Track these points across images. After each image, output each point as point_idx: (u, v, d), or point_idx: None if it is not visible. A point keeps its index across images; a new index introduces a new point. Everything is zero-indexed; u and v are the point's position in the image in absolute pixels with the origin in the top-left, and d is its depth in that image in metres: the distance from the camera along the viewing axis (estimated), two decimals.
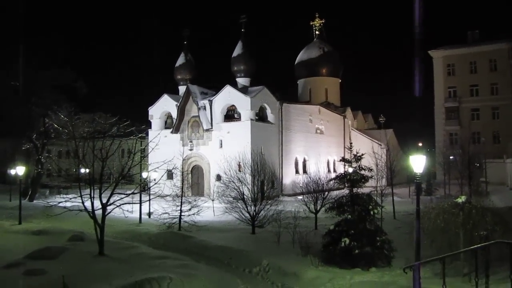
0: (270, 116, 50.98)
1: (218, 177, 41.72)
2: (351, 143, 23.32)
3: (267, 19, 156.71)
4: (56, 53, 43.56)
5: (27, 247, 19.17)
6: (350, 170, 19.94)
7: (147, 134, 52.50)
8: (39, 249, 17.94)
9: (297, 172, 53.59)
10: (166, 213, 26.55)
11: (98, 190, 17.98)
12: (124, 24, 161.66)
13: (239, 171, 31.18)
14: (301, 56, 74.01)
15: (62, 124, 43.29)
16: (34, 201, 42.43)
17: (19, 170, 31.88)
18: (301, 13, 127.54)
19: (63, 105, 44.76)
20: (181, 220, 26.51)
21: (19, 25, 52.73)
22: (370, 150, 34.23)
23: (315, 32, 74.92)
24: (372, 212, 18.10)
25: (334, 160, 60.54)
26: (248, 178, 28.04)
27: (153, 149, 22.71)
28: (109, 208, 18.09)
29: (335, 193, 24.74)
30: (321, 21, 74.47)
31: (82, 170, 22.94)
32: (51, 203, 21.21)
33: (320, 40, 73.97)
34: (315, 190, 28.76)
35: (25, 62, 45.54)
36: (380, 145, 55.53)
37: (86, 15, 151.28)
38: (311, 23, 75.19)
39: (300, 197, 31.25)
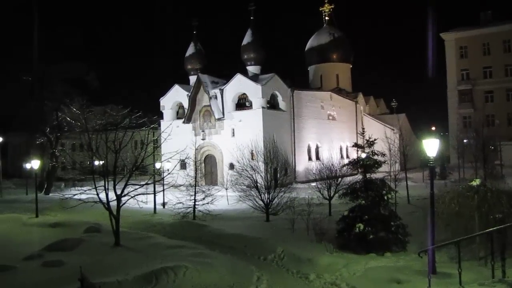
0: (282, 104, 50.87)
1: (231, 166, 41.82)
2: (363, 129, 23.18)
3: (276, 6, 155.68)
4: (66, 46, 43.78)
5: (45, 239, 19.42)
6: (363, 155, 19.88)
7: (159, 124, 52.70)
8: (56, 241, 18.20)
9: (310, 159, 53.51)
10: (180, 202, 26.69)
11: (112, 182, 18.13)
12: (133, 15, 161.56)
13: (252, 159, 31.22)
14: (311, 43, 73.58)
15: (75, 117, 43.59)
16: (50, 194, 42.94)
17: (34, 164, 32.16)
18: None
19: (75, 98, 45.04)
20: (195, 209, 26.64)
21: (31, 20, 52.90)
22: (382, 135, 34.01)
23: (324, 17, 74.40)
24: (386, 197, 18.08)
25: (347, 146, 60.37)
26: (261, 166, 28.07)
27: (165, 139, 22.81)
28: (123, 199, 18.22)
29: (348, 179, 24.66)
30: (330, 7, 73.87)
31: (96, 163, 23.12)
32: (66, 196, 21.41)
33: (330, 26, 73.42)
34: (328, 177, 28.75)
35: (37, 56, 45.94)
36: (393, 130, 55.13)
37: (95, 7, 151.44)
38: (321, 9, 74.64)
39: (313, 184, 31.25)
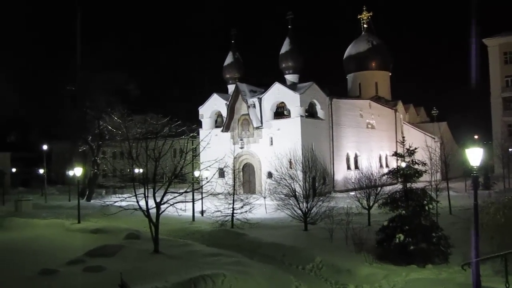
0: (320, 112, 50.64)
1: (269, 175, 41.81)
2: (403, 137, 22.76)
3: (314, 14, 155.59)
4: (108, 57, 44.72)
5: (86, 245, 19.86)
6: (403, 164, 19.52)
7: (198, 133, 53.23)
8: (97, 247, 18.59)
9: (348, 168, 53.03)
10: (218, 211, 26.82)
11: (152, 190, 18.39)
12: (173, 26, 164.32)
13: (290, 168, 31.11)
14: (349, 51, 73.12)
15: (116, 125, 44.49)
16: (92, 201, 43.90)
17: (77, 171, 32.91)
18: (348, 6, 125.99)
19: (116, 107, 46.04)
20: (234, 217, 26.71)
21: (75, 32, 54.52)
22: (423, 144, 33.35)
23: (363, 25, 73.89)
24: (427, 207, 17.69)
25: (386, 155, 59.58)
26: (300, 174, 27.91)
27: (204, 148, 22.96)
28: (163, 207, 18.45)
29: (388, 188, 24.30)
30: (368, 14, 73.34)
31: (136, 170, 23.51)
32: (107, 203, 21.86)
33: (368, 34, 72.86)
34: (367, 186, 28.37)
35: (80, 67, 47.20)
36: (434, 138, 54.12)
37: (135, 18, 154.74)
38: (359, 17, 74.20)
39: (352, 193, 30.89)
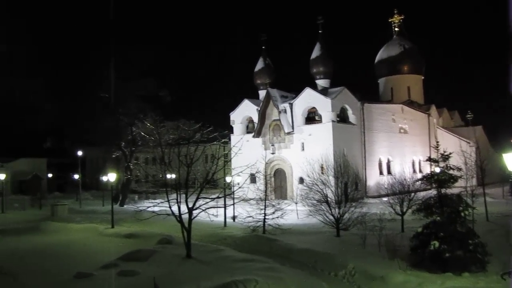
0: (352, 117, 50.28)
1: (301, 180, 41.66)
2: (437, 142, 22.41)
3: (344, 19, 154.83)
4: (140, 64, 45.43)
5: (120, 249, 20.19)
6: (437, 170, 19.20)
7: (229, 139, 53.45)
8: (131, 252, 18.87)
9: (381, 173, 52.42)
10: (250, 216, 26.81)
11: (184, 195, 18.53)
12: (204, 32, 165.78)
13: (322, 173, 30.94)
14: (380, 55, 72.39)
15: (148, 132, 45.07)
16: (125, 206, 44.51)
17: (111, 176, 33.40)
18: (378, 10, 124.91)
19: (148, 114, 46.68)
20: (265, 223, 26.67)
21: (109, 40, 55.65)
22: (457, 148, 32.83)
23: (394, 29, 73.00)
24: (462, 214, 17.32)
25: (420, 160, 58.67)
26: (332, 180, 27.72)
27: (236, 153, 23.05)
28: (195, 212, 18.57)
29: (422, 194, 23.90)
30: (400, 17, 72.44)
31: (168, 176, 23.72)
32: (140, 208, 22.12)
33: (400, 37, 71.96)
34: (400, 192, 27.98)
35: (113, 74, 48.03)
36: (469, 143, 53.09)
37: (167, 25, 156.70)
38: (390, 20, 73.34)
39: (385, 199, 30.50)
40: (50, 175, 72.59)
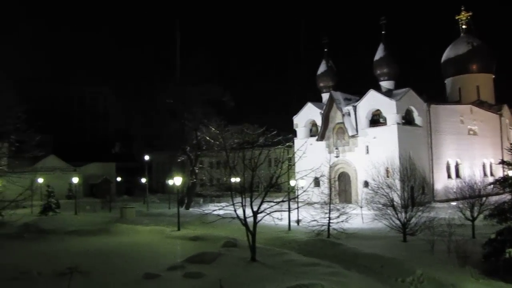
0: (418, 119, 49.00)
1: (366, 184, 41.06)
2: (511, 144, 21.44)
3: (408, 18, 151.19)
4: (204, 69, 46.32)
5: (186, 251, 20.64)
6: (511, 173, 18.39)
7: (293, 142, 53.41)
8: (196, 254, 19.26)
9: (449, 176, 50.73)
10: (314, 220, 26.66)
11: (248, 199, 18.70)
12: (265, 35, 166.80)
13: (387, 176, 30.34)
14: (447, 54, 70.00)
15: (213, 136, 45.78)
16: (190, 209, 45.38)
17: (177, 180, 34.08)
18: (444, 8, 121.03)
19: (212, 119, 47.44)
20: (330, 227, 26.45)
21: (174, 47, 57.15)
22: None
23: (461, 26, 70.34)
24: None
25: (491, 163, 56.27)
26: (397, 184, 27.12)
27: (300, 157, 22.96)
28: (259, 215, 18.69)
29: (494, 198, 22.95)
30: (467, 14, 69.68)
31: (233, 180, 23.97)
32: (205, 211, 22.49)
33: (467, 35, 69.22)
34: (470, 196, 26.94)
35: (178, 80, 49.25)
36: None
37: (229, 30, 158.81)
38: (457, 17, 70.70)
39: (453, 203, 29.57)
40: (118, 179, 75.19)
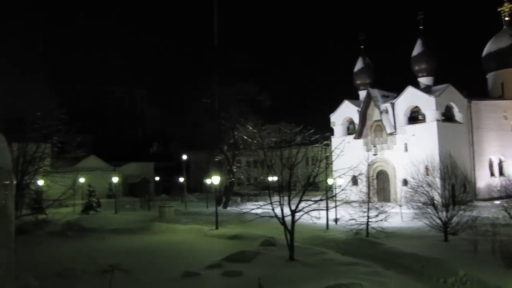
0: (458, 115, 47.99)
1: (405, 182, 40.47)
2: None
3: (447, 12, 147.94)
4: (240, 69, 46.52)
5: (224, 250, 20.70)
6: None
7: (330, 141, 53.09)
8: (234, 253, 19.32)
9: (492, 174, 49.47)
10: (353, 219, 26.35)
11: (286, 197, 18.65)
12: (301, 33, 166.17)
13: (427, 174, 29.76)
14: (489, 47, 67.96)
15: (250, 135, 45.89)
16: (228, 208, 45.60)
17: (215, 179, 34.25)
18: (484, 0, 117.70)
19: (249, 118, 47.55)
20: (369, 226, 26.11)
21: (211, 48, 57.62)
22: None
23: (504, 18, 68.22)
24: None
25: None
26: (438, 182, 26.56)
27: (338, 155, 22.75)
28: (297, 214, 18.60)
29: None
30: (510, 6, 67.60)
31: (270, 178, 23.95)
32: (243, 210, 22.51)
33: (510, 27, 67.19)
34: None
35: (216, 80, 49.63)
36: None
37: (264, 28, 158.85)
38: (499, 9, 68.55)
39: (497, 202, 28.72)
40: (157, 178, 76.23)
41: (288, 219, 18.53)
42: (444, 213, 23.92)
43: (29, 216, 25.45)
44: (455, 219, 23.75)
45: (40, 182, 30.95)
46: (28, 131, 25.86)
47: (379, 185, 48.28)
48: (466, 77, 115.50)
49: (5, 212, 1.94)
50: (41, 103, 27.78)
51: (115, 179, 52.65)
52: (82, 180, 50.40)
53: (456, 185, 27.19)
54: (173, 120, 66.49)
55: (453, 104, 47.85)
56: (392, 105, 48.43)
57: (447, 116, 47.55)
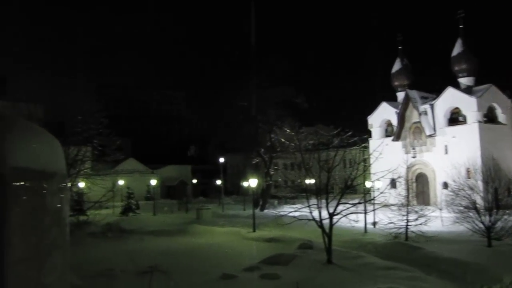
0: (501, 116, 46.76)
1: (445, 185, 39.66)
2: None
3: (488, 9, 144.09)
4: (277, 72, 46.63)
5: (261, 253, 20.70)
6: None
7: (368, 143, 52.53)
8: (272, 255, 19.28)
9: None
10: (391, 222, 25.96)
11: (324, 200, 18.53)
12: (337, 35, 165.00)
13: (469, 177, 29.09)
14: None
15: (287, 138, 45.86)
16: (265, 211, 45.60)
17: (252, 182, 34.33)
18: None
19: (286, 120, 47.53)
20: (408, 230, 25.67)
21: (249, 52, 57.93)
22: None
23: None
24: None
25: None
26: (480, 185, 25.91)
27: (376, 158, 22.48)
28: (335, 217, 18.47)
29: None
30: None
31: (307, 181, 23.83)
32: (280, 213, 22.48)
33: None
34: None
35: (255, 83, 49.84)
36: None
37: (300, 30, 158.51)
38: None
39: None
40: (194, 181, 76.93)
41: (326, 222, 18.41)
42: (487, 217, 23.25)
43: (71, 217, 26.04)
44: (499, 223, 23.06)
45: (81, 185, 31.69)
46: (70, 134, 26.52)
47: (418, 188, 47.46)
48: (510, 77, 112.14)
49: (61, 215, 1.97)
50: (82, 107, 28.49)
51: (153, 182, 53.40)
52: (121, 182, 51.25)
53: (499, 189, 26.44)
54: (210, 123, 67.15)
55: (496, 105, 46.67)
56: (431, 106, 47.60)
57: (489, 117, 46.41)
